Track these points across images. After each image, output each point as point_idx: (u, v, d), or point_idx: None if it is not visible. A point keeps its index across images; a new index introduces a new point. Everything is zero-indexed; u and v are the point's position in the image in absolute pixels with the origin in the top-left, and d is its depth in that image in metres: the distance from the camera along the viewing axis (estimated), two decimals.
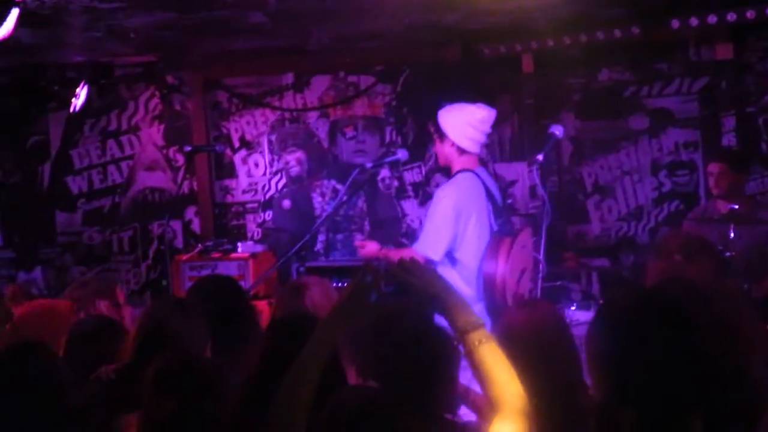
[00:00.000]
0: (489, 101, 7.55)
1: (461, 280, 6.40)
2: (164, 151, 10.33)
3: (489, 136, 6.85)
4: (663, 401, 2.59)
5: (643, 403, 2.60)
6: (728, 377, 2.66)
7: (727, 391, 2.63)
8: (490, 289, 6.25)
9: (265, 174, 10.15)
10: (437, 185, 8.66)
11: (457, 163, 6.69)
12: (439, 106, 6.83)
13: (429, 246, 6.51)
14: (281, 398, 2.94)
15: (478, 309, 6.08)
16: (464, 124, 6.62)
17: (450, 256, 6.55)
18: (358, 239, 9.06)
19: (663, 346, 2.60)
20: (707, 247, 5.22)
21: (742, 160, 7.99)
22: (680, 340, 2.61)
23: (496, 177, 9.05)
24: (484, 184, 6.67)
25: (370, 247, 6.86)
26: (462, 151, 6.64)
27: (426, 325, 3.27)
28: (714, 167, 7.75)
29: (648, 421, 2.60)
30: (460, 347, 3.13)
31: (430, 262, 6.36)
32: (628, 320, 2.68)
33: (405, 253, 6.50)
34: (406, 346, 3.20)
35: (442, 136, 6.65)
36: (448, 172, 6.97)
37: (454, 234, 6.47)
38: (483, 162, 6.88)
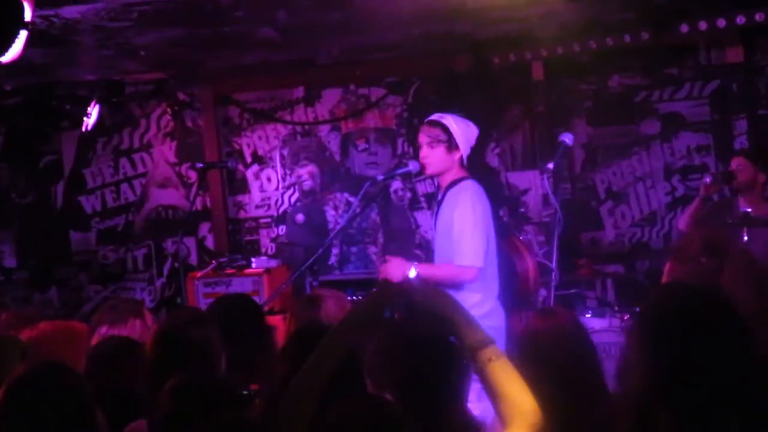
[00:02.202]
0: (500, 110, 7.53)
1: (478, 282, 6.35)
2: (177, 168, 10.34)
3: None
4: (702, 403, 2.58)
5: (681, 403, 2.59)
6: None
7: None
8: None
9: (277, 188, 10.15)
10: None
11: (452, 173, 6.50)
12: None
13: (473, 255, 6.23)
14: (288, 399, 2.96)
15: (489, 306, 6.11)
16: (471, 139, 6.55)
17: None
18: (373, 252, 9.08)
19: (707, 347, 2.60)
20: (733, 246, 5.13)
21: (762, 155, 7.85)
22: (726, 341, 2.61)
23: (508, 186, 9.13)
24: None
25: (395, 271, 6.06)
26: (462, 164, 6.50)
27: (436, 338, 3.24)
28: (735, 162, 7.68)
29: (685, 422, 2.59)
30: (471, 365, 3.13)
31: (474, 270, 6.19)
32: (673, 320, 2.69)
33: (444, 270, 6.32)
34: (417, 357, 3.20)
35: (453, 146, 6.53)
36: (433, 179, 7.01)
37: (486, 239, 6.32)
38: None
